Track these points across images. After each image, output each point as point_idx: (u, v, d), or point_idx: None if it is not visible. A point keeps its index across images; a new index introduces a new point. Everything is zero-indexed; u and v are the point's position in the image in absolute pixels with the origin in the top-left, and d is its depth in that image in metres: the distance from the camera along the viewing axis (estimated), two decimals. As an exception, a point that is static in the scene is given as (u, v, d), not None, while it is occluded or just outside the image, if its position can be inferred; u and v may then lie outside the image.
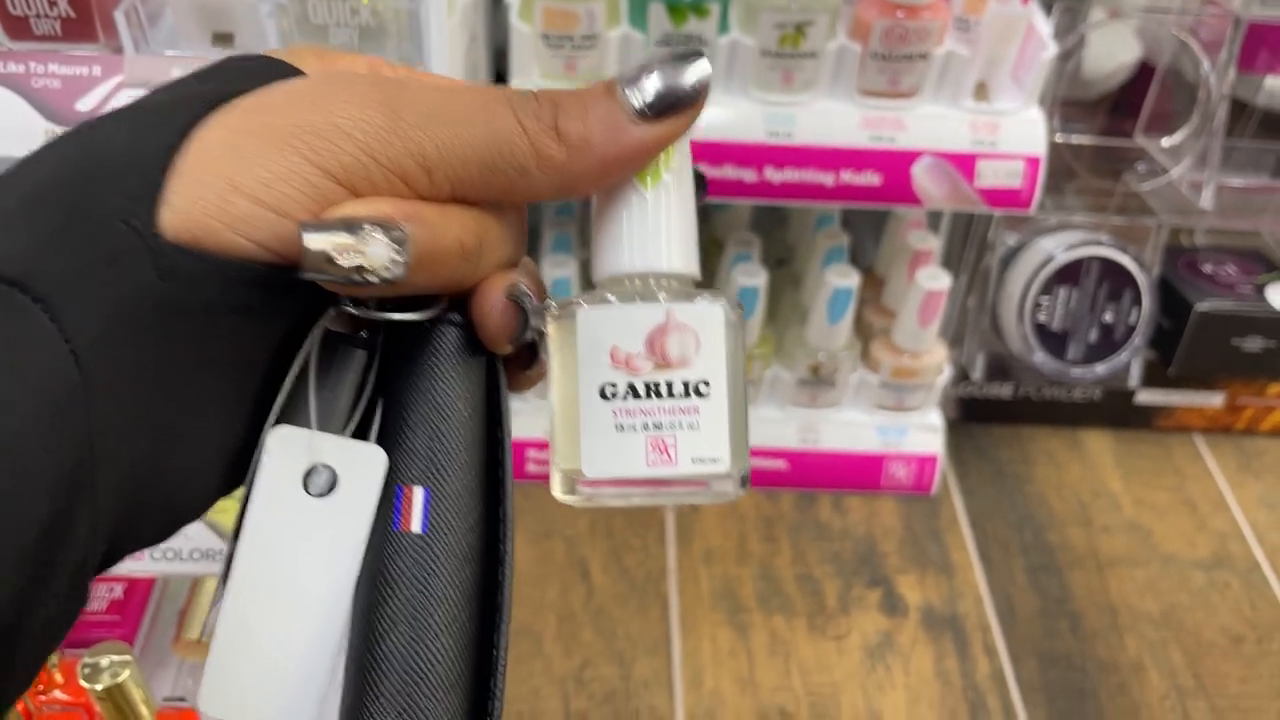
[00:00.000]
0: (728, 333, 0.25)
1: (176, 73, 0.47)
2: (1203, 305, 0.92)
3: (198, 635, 0.69)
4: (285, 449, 0.24)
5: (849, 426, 0.91)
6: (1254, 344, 0.94)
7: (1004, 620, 0.85)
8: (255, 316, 0.23)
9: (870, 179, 0.74)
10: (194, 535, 0.54)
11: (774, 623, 0.82)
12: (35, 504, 0.19)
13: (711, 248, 0.97)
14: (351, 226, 0.22)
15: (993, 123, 0.74)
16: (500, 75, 0.74)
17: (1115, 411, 1.01)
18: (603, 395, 0.25)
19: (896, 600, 0.85)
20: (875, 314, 0.91)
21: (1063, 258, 0.85)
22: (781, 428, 0.91)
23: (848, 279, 0.82)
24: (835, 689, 0.78)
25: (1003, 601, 0.86)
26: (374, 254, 0.22)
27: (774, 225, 1.02)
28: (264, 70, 0.24)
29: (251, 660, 0.24)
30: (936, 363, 0.88)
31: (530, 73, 0.71)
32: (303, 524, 0.24)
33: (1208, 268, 0.98)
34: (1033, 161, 0.75)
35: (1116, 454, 1.00)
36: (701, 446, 0.25)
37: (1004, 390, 0.99)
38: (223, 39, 0.51)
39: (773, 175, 0.74)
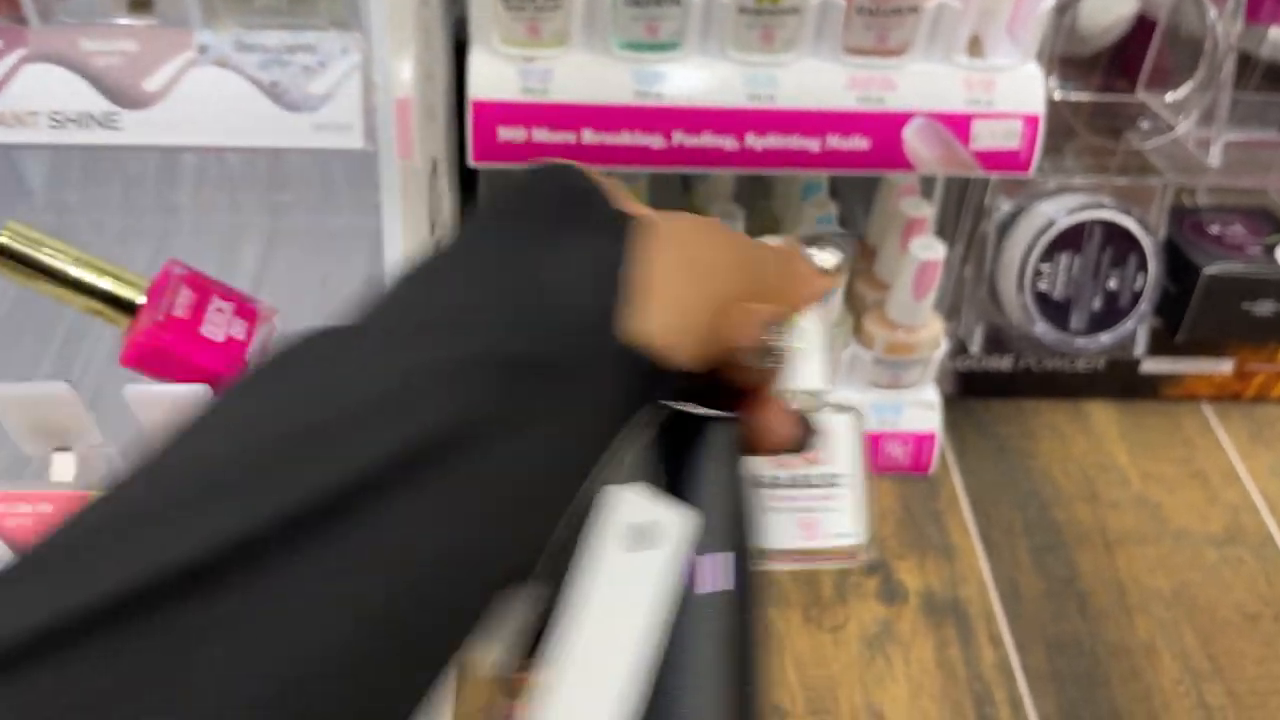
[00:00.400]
0: (855, 436, 0.34)
1: (87, 45, 0.42)
2: (1211, 268, 0.88)
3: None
4: (616, 505, 0.28)
5: (842, 405, 0.87)
6: (1265, 308, 0.90)
7: (1008, 605, 0.81)
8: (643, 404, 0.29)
9: (859, 143, 0.69)
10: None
11: (768, 615, 0.78)
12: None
13: (694, 221, 0.92)
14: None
15: (988, 80, 0.70)
16: (461, 44, 0.69)
17: (1120, 382, 0.97)
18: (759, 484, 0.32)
19: (895, 587, 0.81)
20: (867, 286, 0.86)
21: (1064, 222, 0.81)
22: (772, 408, 0.86)
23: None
24: (833, 683, 0.75)
25: (1006, 585, 0.82)
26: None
27: (760, 194, 0.97)
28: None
29: (579, 697, 0.27)
30: (933, 337, 0.84)
31: (490, 38, 0.66)
32: (621, 574, 0.28)
33: (1214, 229, 0.94)
34: (1031, 120, 0.70)
35: (1122, 426, 0.96)
36: (840, 525, 0.34)
37: (1004, 363, 0.94)
38: (140, 6, 0.46)
39: (754, 142, 0.69)
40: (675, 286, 0.28)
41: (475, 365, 0.24)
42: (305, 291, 0.65)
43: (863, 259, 0.89)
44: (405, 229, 0.51)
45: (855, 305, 0.87)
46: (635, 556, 0.28)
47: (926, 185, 0.86)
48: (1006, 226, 0.85)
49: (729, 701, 0.28)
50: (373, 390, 0.23)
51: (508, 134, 0.67)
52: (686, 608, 0.28)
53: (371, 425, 0.22)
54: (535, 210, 0.30)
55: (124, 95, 0.40)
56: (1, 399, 0.49)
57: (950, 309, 0.90)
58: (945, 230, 0.87)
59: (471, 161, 0.68)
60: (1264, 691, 0.76)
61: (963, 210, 0.86)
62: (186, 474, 0.22)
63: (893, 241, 0.83)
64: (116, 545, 0.21)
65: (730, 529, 0.30)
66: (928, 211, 0.81)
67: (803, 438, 0.32)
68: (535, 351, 0.25)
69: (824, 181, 0.87)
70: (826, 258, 0.36)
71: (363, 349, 0.25)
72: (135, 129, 0.40)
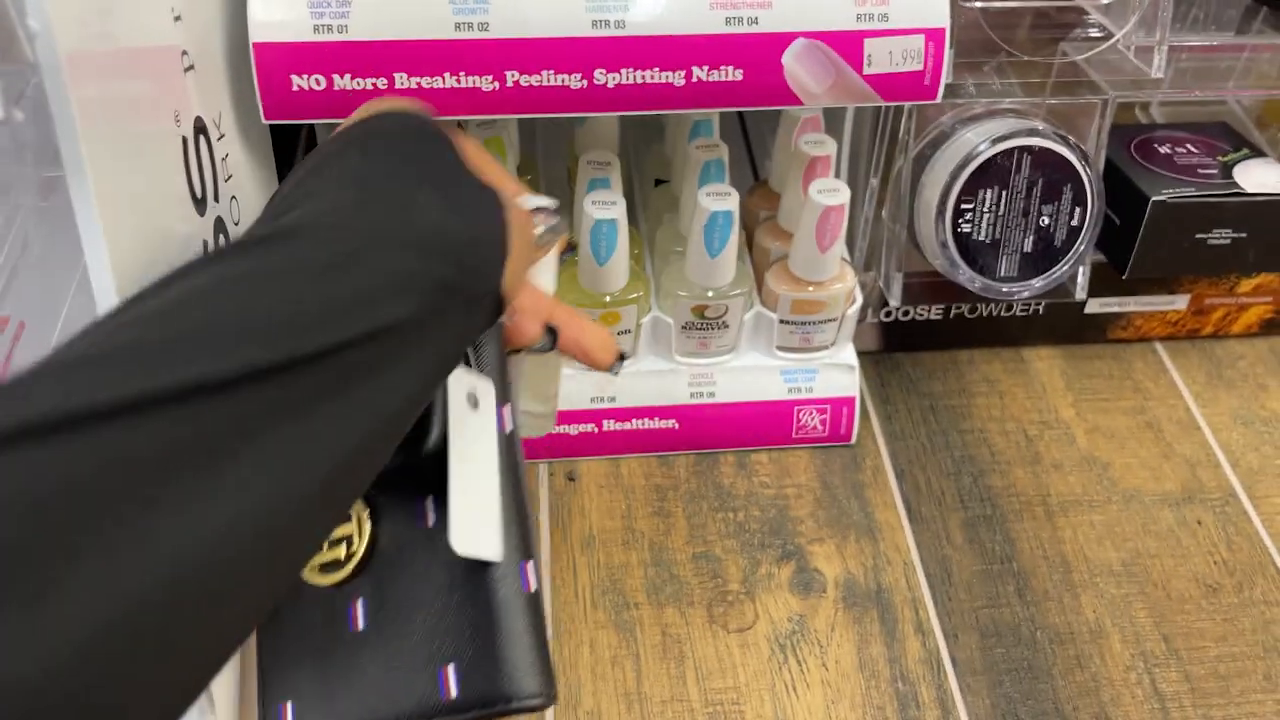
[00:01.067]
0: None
1: None
2: (1159, 195, 0.77)
3: None
4: (457, 382, 0.43)
5: (749, 373, 0.77)
6: (1222, 236, 0.80)
7: (938, 589, 0.72)
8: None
9: (731, 74, 0.58)
10: None
11: (666, 617, 0.69)
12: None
13: (574, 169, 0.81)
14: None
15: (882, -11, 0.58)
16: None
17: (1063, 325, 0.87)
18: None
19: (811, 576, 0.72)
20: (771, 237, 0.75)
21: (985, 152, 0.70)
22: (669, 381, 0.76)
23: (725, 200, 0.67)
24: (739, 695, 0.66)
25: (936, 566, 0.73)
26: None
27: (653, 136, 0.86)
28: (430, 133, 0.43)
29: (471, 511, 0.42)
30: (845, 291, 0.73)
31: None
32: (472, 427, 0.43)
33: (1164, 148, 0.83)
34: (936, 35, 0.59)
35: (1067, 375, 0.87)
36: None
37: (932, 312, 0.84)
38: None
39: (605, 78, 0.58)
40: (517, 255, 0.40)
41: (419, 277, 0.34)
42: (65, 285, 0.54)
43: (767, 205, 0.78)
44: (129, 214, 0.40)
45: (758, 260, 0.76)
46: (475, 413, 0.43)
47: (834, 119, 0.75)
48: (925, 159, 0.75)
49: (520, 502, 0.44)
50: (345, 291, 0.32)
51: (301, 82, 0.55)
52: (499, 443, 0.44)
53: (353, 314, 0.32)
54: (408, 153, 0.40)
55: None
56: None
57: (868, 257, 0.80)
58: (857, 168, 0.77)
59: (264, 118, 0.57)
60: (1226, 675, 0.68)
61: (876, 143, 0.75)
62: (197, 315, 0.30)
63: (794, 185, 0.72)
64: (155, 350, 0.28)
65: (503, 387, 0.46)
66: (830, 149, 0.70)
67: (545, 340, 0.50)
68: (461, 281, 0.36)
69: (714, 117, 0.75)
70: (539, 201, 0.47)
71: (316, 260, 0.33)
72: None
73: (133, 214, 0.42)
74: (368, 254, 0.33)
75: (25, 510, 0.23)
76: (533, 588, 0.43)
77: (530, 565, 0.43)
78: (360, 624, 0.43)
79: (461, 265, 0.36)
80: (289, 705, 0.42)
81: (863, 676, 0.67)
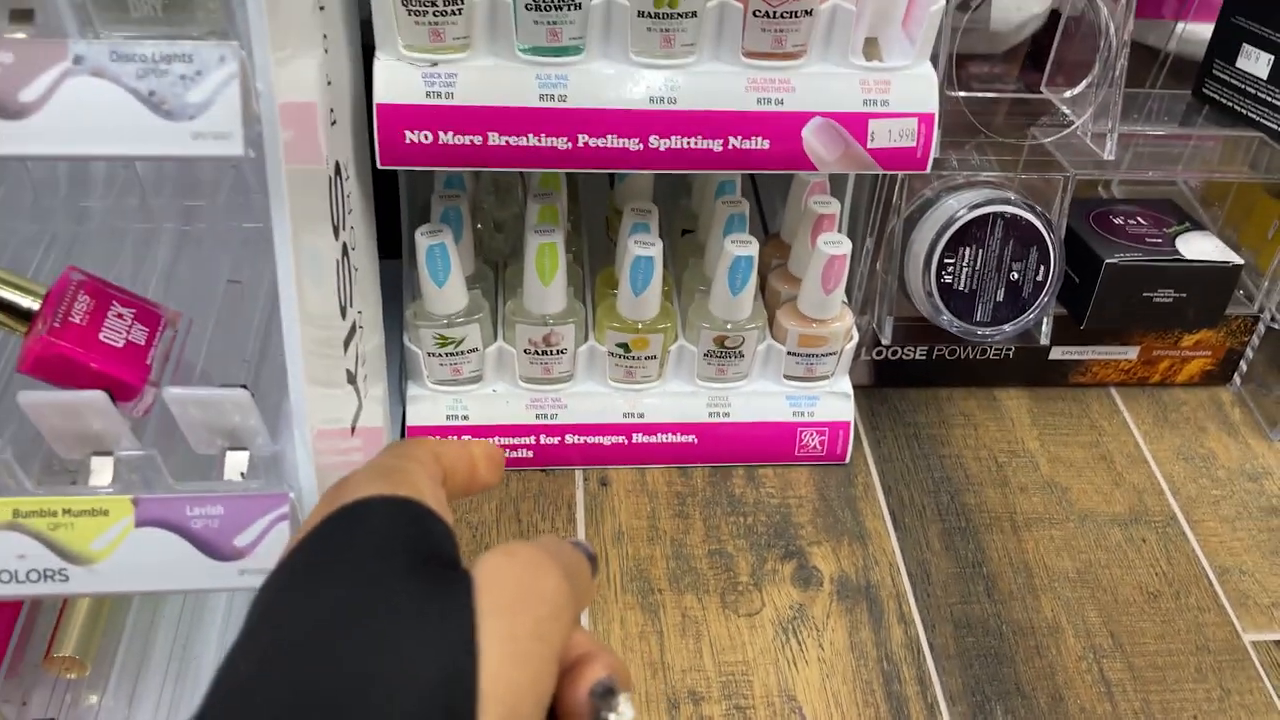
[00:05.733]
0: None
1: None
2: (1113, 258, 0.91)
3: (69, 651, 0.66)
4: None
5: (759, 397, 0.89)
6: (1166, 295, 0.93)
7: (918, 586, 0.83)
8: None
9: (760, 144, 0.72)
10: (31, 554, 0.50)
11: (685, 602, 0.81)
12: None
13: (613, 217, 0.94)
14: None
15: (884, 81, 0.72)
16: (369, 48, 0.70)
17: (1030, 369, 1.00)
18: None
19: (810, 572, 0.83)
20: (782, 282, 0.88)
21: (965, 216, 0.83)
22: (691, 402, 0.88)
23: (747, 247, 0.79)
24: (747, 667, 0.77)
25: (917, 567, 0.85)
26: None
27: (680, 193, 0.99)
28: (418, 532, 0.33)
29: None
30: (844, 329, 0.86)
31: (394, 43, 0.67)
32: None
33: (1119, 220, 0.97)
34: (926, 119, 0.73)
35: (1033, 412, 0.99)
36: None
37: (917, 352, 0.97)
38: (21, 17, 0.47)
39: (658, 143, 0.71)
40: (509, 681, 0.29)
41: None
42: (213, 294, 0.66)
43: (779, 255, 0.91)
44: (300, 233, 0.52)
45: (770, 301, 0.89)
46: None
47: (838, 182, 0.89)
48: (914, 220, 0.88)
49: None
50: None
51: (414, 137, 0.68)
52: None
53: None
54: (349, 567, 0.31)
55: (0, 107, 0.41)
56: (40, 405, 0.50)
57: (864, 302, 0.93)
58: (857, 226, 0.90)
59: (379, 164, 0.69)
60: (1162, 666, 0.79)
61: (872, 206, 0.88)
62: None
63: (803, 238, 0.85)
64: None
65: None
66: (835, 208, 0.84)
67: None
68: None
69: (737, 179, 0.89)
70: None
71: None
72: (12, 140, 0.41)
73: (305, 232, 0.54)
74: None
75: None
76: None
77: None
78: None
79: None
80: None
81: (853, 657, 0.78)
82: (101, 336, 0.53)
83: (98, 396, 0.50)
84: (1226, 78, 0.93)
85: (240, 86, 0.43)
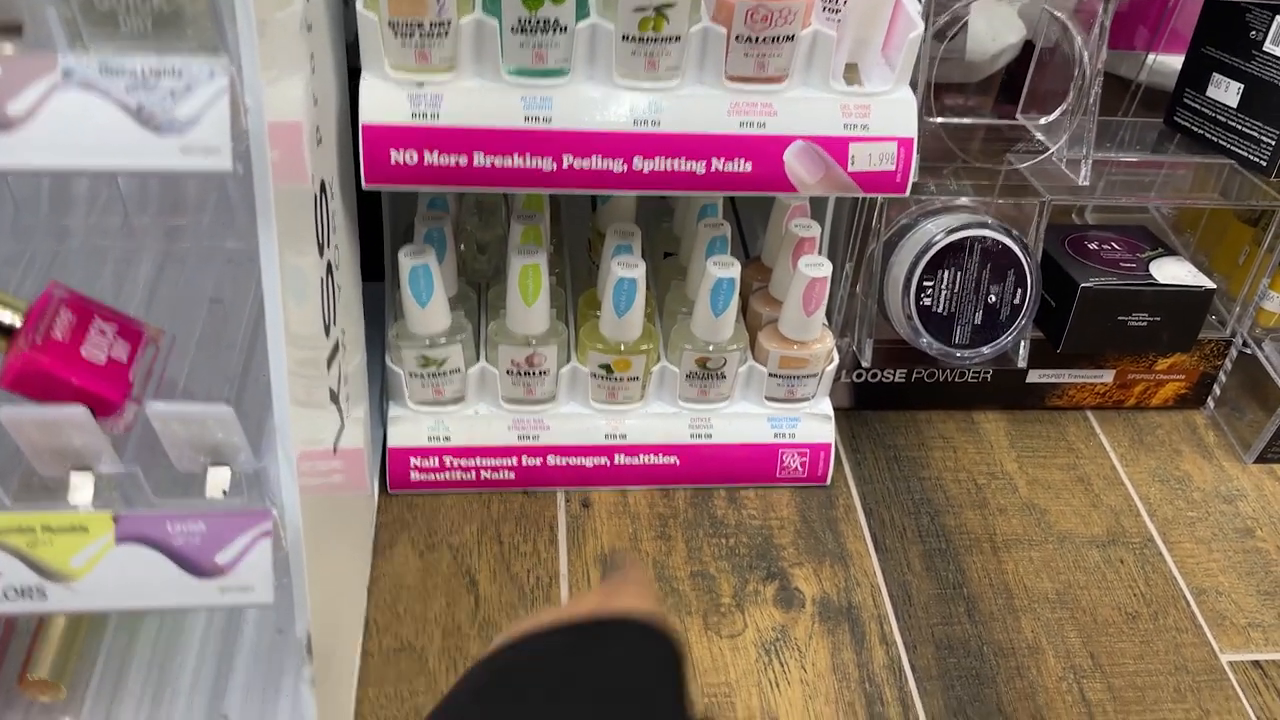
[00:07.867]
0: None
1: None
2: (1088, 282, 0.92)
3: (44, 674, 0.65)
4: None
5: (741, 419, 0.89)
6: (1140, 319, 0.95)
7: (900, 608, 0.84)
8: None
9: (742, 166, 0.72)
10: (8, 572, 0.50)
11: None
12: None
13: (595, 240, 0.94)
14: None
15: (864, 105, 0.73)
16: (355, 70, 0.70)
17: (1008, 392, 1.01)
18: None
19: (792, 593, 0.84)
20: (763, 304, 0.89)
21: (943, 240, 0.84)
22: (673, 422, 0.89)
23: (729, 269, 0.80)
24: (730, 689, 0.76)
25: (898, 589, 0.85)
26: None
27: (662, 216, 1.00)
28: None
29: None
30: (825, 351, 0.87)
31: (380, 64, 0.67)
32: None
33: (1093, 245, 0.98)
34: (905, 143, 0.74)
35: (1011, 435, 1.00)
36: None
37: (897, 375, 0.98)
38: (10, 31, 0.47)
39: (642, 164, 0.71)
40: None
41: None
42: (196, 313, 0.66)
43: (760, 277, 0.92)
44: (285, 250, 0.52)
45: (751, 323, 0.90)
46: None
47: (818, 206, 0.89)
48: (894, 244, 0.89)
49: None
50: None
51: (399, 157, 0.68)
52: None
53: None
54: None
55: (-11, 119, 0.41)
56: (20, 420, 0.49)
57: (844, 325, 0.93)
58: (837, 249, 0.91)
59: (364, 184, 0.70)
60: (1142, 686, 0.80)
61: (852, 229, 0.89)
62: None
63: (784, 260, 0.86)
64: None
65: None
66: (816, 231, 0.84)
67: None
68: None
69: (719, 202, 0.89)
70: None
71: None
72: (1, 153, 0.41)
73: (290, 250, 0.54)
74: None
75: None
76: None
77: None
78: None
79: None
80: None
81: (836, 678, 0.78)
82: (83, 352, 0.53)
83: (79, 412, 0.50)
84: (1197, 106, 0.95)
85: (229, 102, 0.43)
